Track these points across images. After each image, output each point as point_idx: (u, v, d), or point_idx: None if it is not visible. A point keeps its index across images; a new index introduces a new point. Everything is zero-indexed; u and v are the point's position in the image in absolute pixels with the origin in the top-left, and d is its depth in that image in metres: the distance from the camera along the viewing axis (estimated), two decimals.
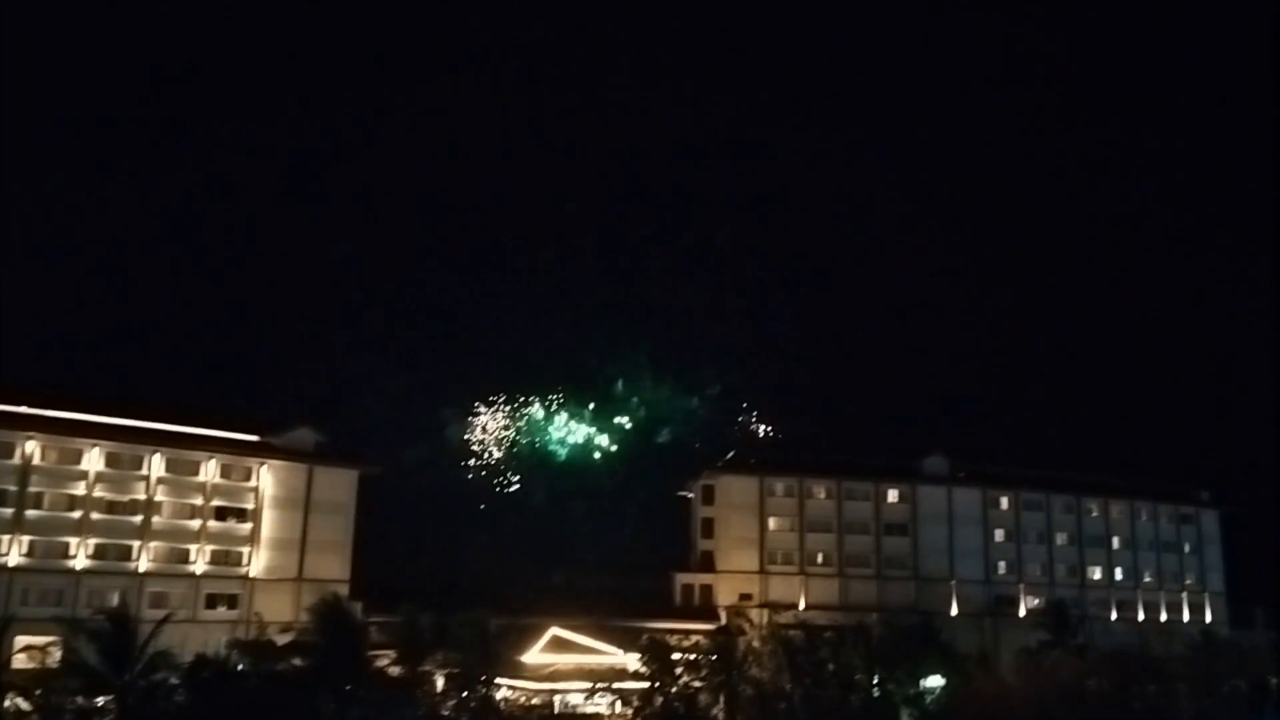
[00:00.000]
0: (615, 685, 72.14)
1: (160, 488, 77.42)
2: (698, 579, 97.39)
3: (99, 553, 74.44)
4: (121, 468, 76.35)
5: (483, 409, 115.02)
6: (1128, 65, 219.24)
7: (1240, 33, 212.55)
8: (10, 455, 72.60)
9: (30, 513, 72.58)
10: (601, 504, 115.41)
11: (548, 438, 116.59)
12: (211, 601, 77.54)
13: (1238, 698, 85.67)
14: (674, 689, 70.04)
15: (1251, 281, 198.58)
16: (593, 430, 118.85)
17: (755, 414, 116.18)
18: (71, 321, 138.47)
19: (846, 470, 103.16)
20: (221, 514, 79.42)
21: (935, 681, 75.92)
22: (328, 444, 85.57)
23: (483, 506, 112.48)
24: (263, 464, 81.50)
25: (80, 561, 73.52)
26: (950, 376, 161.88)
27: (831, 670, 74.39)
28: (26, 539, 72.28)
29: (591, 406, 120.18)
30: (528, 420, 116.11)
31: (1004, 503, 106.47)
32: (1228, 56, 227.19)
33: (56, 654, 58.20)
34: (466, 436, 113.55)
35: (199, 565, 77.82)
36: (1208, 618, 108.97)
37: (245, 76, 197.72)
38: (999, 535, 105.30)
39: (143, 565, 75.62)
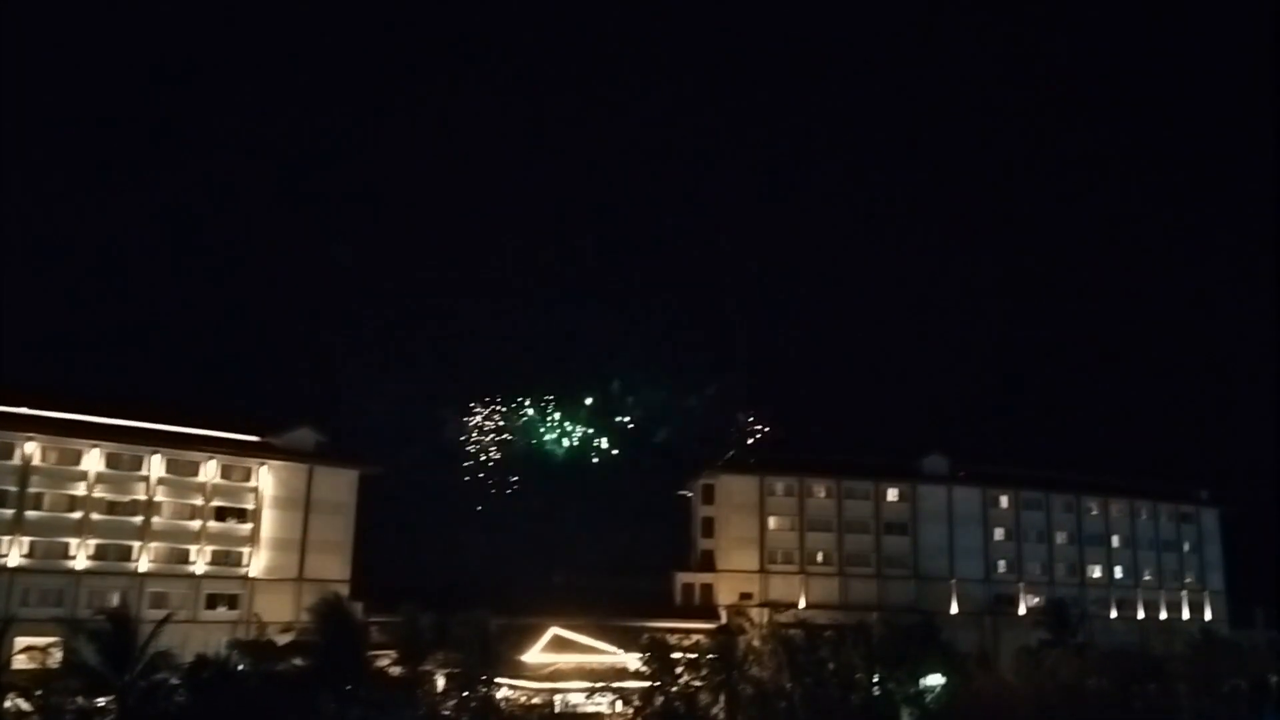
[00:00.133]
0: (616, 685, 72.07)
1: (160, 488, 77.44)
2: (698, 578, 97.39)
3: (99, 553, 74.48)
4: (121, 468, 76.39)
5: (483, 409, 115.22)
6: (1128, 65, 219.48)
7: (1240, 33, 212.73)
8: (10, 456, 72.63)
9: (30, 513, 72.61)
10: (601, 503, 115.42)
11: (547, 437, 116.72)
12: (212, 602, 77.60)
13: (1238, 697, 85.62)
14: (674, 688, 69.92)
15: (1251, 281, 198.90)
16: (592, 430, 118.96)
17: (755, 414, 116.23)
18: (71, 321, 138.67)
19: (846, 469, 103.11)
20: (221, 514, 79.44)
21: (935, 680, 75.78)
22: (328, 444, 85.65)
23: (482, 507, 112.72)
24: (263, 464, 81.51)
25: (80, 562, 73.55)
26: (950, 376, 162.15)
27: (832, 669, 74.19)
28: (27, 540, 72.31)
29: (591, 406, 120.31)
30: (527, 420, 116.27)
31: (1004, 502, 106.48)
32: (1227, 56, 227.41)
33: (57, 654, 57.90)
34: (466, 436, 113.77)
35: (199, 565, 77.86)
36: (1208, 616, 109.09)
37: (245, 76, 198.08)
38: (999, 534, 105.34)
39: (143, 566, 75.65)
